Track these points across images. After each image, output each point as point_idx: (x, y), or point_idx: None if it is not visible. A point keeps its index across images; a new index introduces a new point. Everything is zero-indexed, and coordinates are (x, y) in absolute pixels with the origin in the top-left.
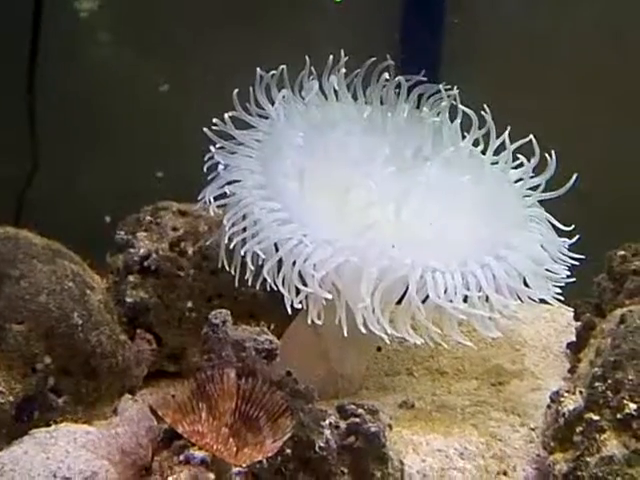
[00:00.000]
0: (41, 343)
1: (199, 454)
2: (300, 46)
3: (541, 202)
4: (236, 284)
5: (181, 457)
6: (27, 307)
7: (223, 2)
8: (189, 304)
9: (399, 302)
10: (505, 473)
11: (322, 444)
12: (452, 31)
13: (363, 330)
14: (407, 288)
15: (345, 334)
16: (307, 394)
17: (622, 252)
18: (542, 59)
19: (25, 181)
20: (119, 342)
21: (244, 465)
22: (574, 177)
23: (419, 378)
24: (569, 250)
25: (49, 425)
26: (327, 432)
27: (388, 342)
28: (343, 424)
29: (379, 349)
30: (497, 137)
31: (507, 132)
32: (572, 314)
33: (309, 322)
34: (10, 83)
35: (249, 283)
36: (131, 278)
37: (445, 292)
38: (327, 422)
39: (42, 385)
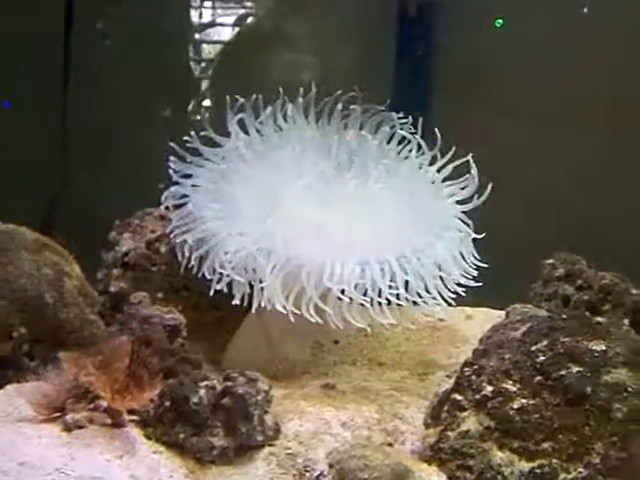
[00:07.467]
0: (17, 316)
1: (104, 403)
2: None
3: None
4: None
5: (91, 405)
6: (9, 287)
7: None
8: (160, 294)
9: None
10: (390, 444)
11: (195, 400)
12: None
13: (266, 305)
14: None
15: (253, 310)
16: (194, 361)
17: (551, 261)
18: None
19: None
20: (87, 320)
21: (121, 409)
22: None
23: (359, 367)
24: None
25: (20, 382)
26: (202, 391)
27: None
28: (219, 386)
29: (336, 342)
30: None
31: (450, 153)
32: None
33: (253, 310)
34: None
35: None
36: (115, 271)
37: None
38: (204, 384)
39: (17, 350)
